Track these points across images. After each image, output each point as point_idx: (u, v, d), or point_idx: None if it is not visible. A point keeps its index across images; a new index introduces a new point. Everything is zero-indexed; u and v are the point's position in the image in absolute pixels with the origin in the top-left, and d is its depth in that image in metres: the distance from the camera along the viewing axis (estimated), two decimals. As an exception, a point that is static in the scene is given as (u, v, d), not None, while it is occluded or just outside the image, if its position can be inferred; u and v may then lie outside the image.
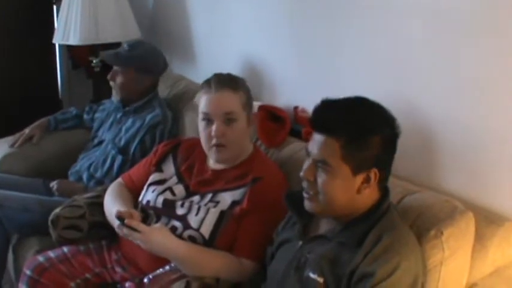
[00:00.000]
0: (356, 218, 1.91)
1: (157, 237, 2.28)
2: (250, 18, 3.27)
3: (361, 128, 1.88)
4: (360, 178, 1.88)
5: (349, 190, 1.89)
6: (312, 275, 1.89)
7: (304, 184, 1.94)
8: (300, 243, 2.02)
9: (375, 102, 1.96)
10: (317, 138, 1.90)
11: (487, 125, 2.13)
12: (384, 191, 1.97)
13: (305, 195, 1.95)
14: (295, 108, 2.91)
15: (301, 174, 1.92)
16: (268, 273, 2.13)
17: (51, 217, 2.69)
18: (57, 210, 2.71)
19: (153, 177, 2.64)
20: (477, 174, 2.20)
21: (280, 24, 3.05)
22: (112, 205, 2.58)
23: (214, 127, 2.42)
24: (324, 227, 2.01)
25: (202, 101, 2.46)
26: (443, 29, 2.22)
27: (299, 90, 2.97)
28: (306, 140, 2.71)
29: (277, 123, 2.86)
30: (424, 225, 2.01)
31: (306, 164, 1.93)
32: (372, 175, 1.89)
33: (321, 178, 1.88)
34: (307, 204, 1.95)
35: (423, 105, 2.35)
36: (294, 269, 1.97)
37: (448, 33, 2.20)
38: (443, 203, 2.08)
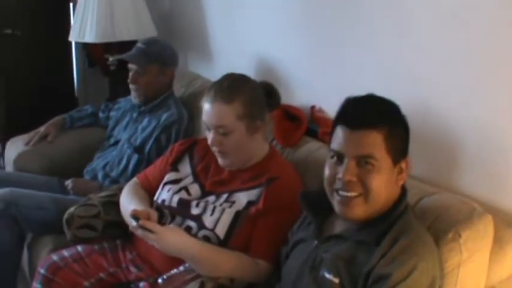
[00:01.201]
0: (374, 218, 1.89)
1: (172, 237, 2.26)
2: (266, 18, 3.26)
3: (395, 117, 1.90)
4: (396, 169, 1.88)
5: (391, 184, 1.88)
6: (327, 275, 1.87)
7: (344, 186, 1.87)
8: (316, 242, 2.00)
9: None
10: (354, 135, 1.85)
11: (506, 125, 2.10)
12: (402, 191, 1.95)
13: (343, 198, 1.88)
14: (312, 107, 2.90)
15: (340, 175, 1.86)
16: (283, 273, 2.11)
17: (65, 216, 2.69)
18: (71, 209, 2.71)
19: (168, 177, 2.63)
20: (496, 176, 2.17)
21: (296, 24, 3.04)
22: (128, 204, 2.58)
23: (211, 136, 2.43)
24: (340, 226, 1.99)
25: (203, 109, 2.45)
26: (461, 27, 2.19)
27: (316, 90, 2.96)
28: (322, 140, 2.70)
29: (294, 123, 2.84)
30: (442, 227, 1.98)
31: (343, 164, 1.86)
32: (404, 165, 1.90)
33: (368, 175, 1.84)
34: (346, 210, 1.89)
35: (440, 105, 2.32)
36: (309, 269, 1.95)
37: (466, 31, 2.18)
38: (461, 204, 2.06)
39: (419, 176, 2.31)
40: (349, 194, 1.86)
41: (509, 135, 2.10)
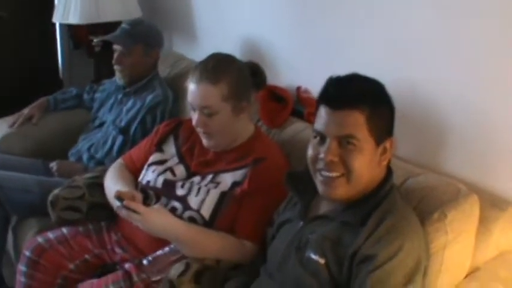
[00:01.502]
0: (359, 199, 1.88)
1: (156, 218, 2.25)
2: (251, -2, 3.24)
3: (378, 97, 1.88)
4: (379, 150, 1.86)
5: (373, 164, 1.87)
6: (313, 256, 1.87)
7: (326, 166, 1.86)
8: (301, 223, 1.99)
9: None
10: (336, 115, 1.84)
11: (492, 107, 2.11)
12: (387, 171, 1.94)
13: (325, 179, 1.87)
14: (298, 88, 2.89)
15: (322, 155, 1.85)
16: (269, 254, 2.11)
17: (50, 198, 2.68)
18: (56, 191, 2.69)
19: (153, 158, 2.62)
20: (481, 157, 2.18)
21: (282, 4, 3.02)
22: (113, 186, 2.56)
23: (195, 117, 2.41)
24: (325, 207, 1.99)
25: (188, 89, 2.44)
26: (451, 8, 2.19)
27: (302, 71, 2.95)
28: (308, 120, 2.70)
29: (280, 104, 2.84)
30: (428, 208, 1.99)
31: (325, 144, 1.85)
32: (388, 145, 1.88)
33: (350, 155, 1.82)
34: (328, 191, 1.88)
35: (427, 86, 2.32)
36: (294, 250, 1.94)
37: (456, 13, 2.17)
38: (447, 185, 2.06)
39: (405, 157, 2.31)
40: (331, 174, 1.85)
41: (495, 116, 2.10)
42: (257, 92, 2.65)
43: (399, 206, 1.88)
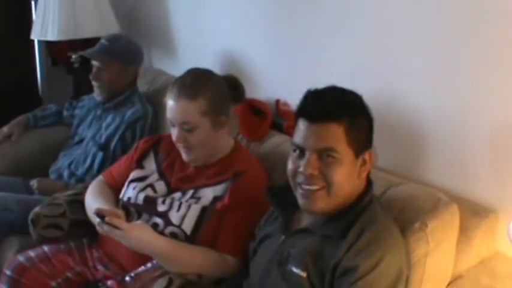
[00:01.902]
0: (339, 211, 1.89)
1: (138, 233, 2.24)
2: (230, 13, 3.25)
3: (356, 108, 1.88)
4: (359, 162, 1.87)
5: (353, 176, 1.87)
6: (295, 270, 1.87)
7: (305, 180, 1.86)
8: (283, 237, 1.99)
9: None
10: (315, 128, 1.84)
11: (470, 115, 2.12)
12: (367, 183, 1.95)
13: (306, 192, 1.87)
14: (277, 101, 2.90)
15: (301, 169, 1.85)
16: (251, 269, 2.11)
17: (30, 216, 2.66)
18: (36, 209, 2.68)
19: (134, 174, 2.61)
20: (460, 165, 2.19)
21: (259, 18, 3.04)
22: (93, 203, 2.55)
23: (175, 133, 2.42)
24: (306, 220, 1.99)
25: (167, 106, 2.44)
26: (424, 16, 2.21)
27: (280, 84, 2.96)
28: (288, 133, 2.71)
29: (259, 117, 2.84)
30: (408, 217, 2.00)
31: (305, 158, 1.85)
32: (367, 157, 1.89)
33: (330, 168, 1.82)
34: (309, 203, 1.88)
35: (404, 96, 2.34)
36: (276, 264, 1.94)
37: (429, 20, 2.19)
38: (427, 194, 2.08)
39: (384, 167, 2.32)
40: (311, 188, 1.85)
41: (473, 124, 2.12)
42: (236, 105, 2.65)
43: (380, 217, 1.88)
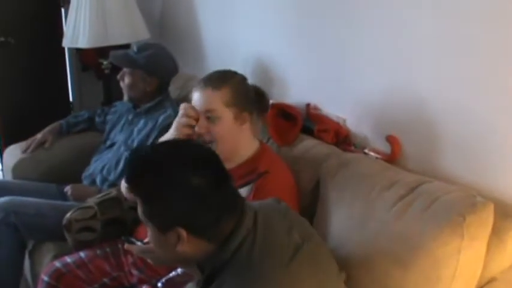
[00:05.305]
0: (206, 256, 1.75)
1: None
2: (259, 17, 3.26)
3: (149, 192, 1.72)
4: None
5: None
6: None
7: None
8: None
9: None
10: None
11: (500, 116, 2.12)
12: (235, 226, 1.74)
13: None
14: (308, 105, 2.91)
15: None
16: None
17: (63, 222, 2.71)
18: (68, 214, 2.73)
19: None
20: (488, 167, 2.18)
21: (290, 22, 3.05)
22: None
23: (199, 123, 2.44)
24: None
25: (192, 100, 2.49)
26: (444, 17, 2.22)
27: (310, 88, 2.97)
28: (319, 137, 2.72)
29: (289, 121, 2.85)
30: (443, 209, 1.98)
31: None
32: (180, 234, 1.69)
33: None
34: None
35: (433, 97, 2.33)
36: None
37: (453, 22, 2.20)
38: (463, 191, 2.06)
39: (410, 168, 2.35)
40: None
41: (497, 125, 2.12)
42: (263, 115, 2.69)
43: (247, 267, 1.69)
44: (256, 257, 1.69)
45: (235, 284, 1.66)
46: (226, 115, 2.42)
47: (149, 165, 1.70)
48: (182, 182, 1.66)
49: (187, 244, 1.69)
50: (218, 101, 2.42)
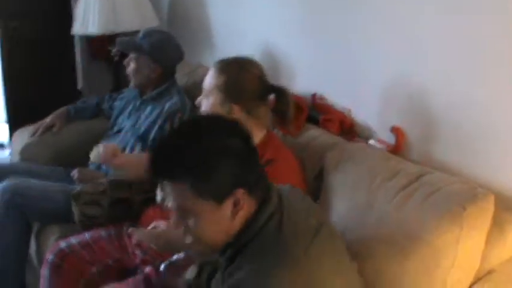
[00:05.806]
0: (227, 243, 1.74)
1: None
2: (268, 6, 3.28)
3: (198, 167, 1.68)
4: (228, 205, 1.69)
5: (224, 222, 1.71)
6: None
7: None
8: None
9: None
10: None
11: (498, 109, 2.13)
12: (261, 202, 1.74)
13: None
14: (314, 95, 2.92)
15: None
16: None
17: (73, 192, 2.74)
18: (78, 187, 2.78)
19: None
20: (490, 160, 2.19)
21: (297, 12, 3.06)
22: None
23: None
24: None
25: None
26: (455, 11, 2.23)
27: (317, 78, 2.98)
28: (324, 127, 2.73)
29: (295, 111, 2.86)
30: (444, 198, 2.00)
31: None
32: (239, 196, 1.68)
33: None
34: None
35: (437, 89, 2.35)
36: None
37: (459, 15, 2.21)
38: (463, 183, 2.08)
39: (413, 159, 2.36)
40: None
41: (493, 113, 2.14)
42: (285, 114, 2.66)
43: (266, 251, 1.68)
44: (283, 235, 1.69)
45: (258, 263, 1.65)
46: (215, 97, 2.51)
47: (185, 143, 1.68)
48: (223, 145, 1.67)
49: (241, 212, 1.68)
50: (213, 82, 2.52)
